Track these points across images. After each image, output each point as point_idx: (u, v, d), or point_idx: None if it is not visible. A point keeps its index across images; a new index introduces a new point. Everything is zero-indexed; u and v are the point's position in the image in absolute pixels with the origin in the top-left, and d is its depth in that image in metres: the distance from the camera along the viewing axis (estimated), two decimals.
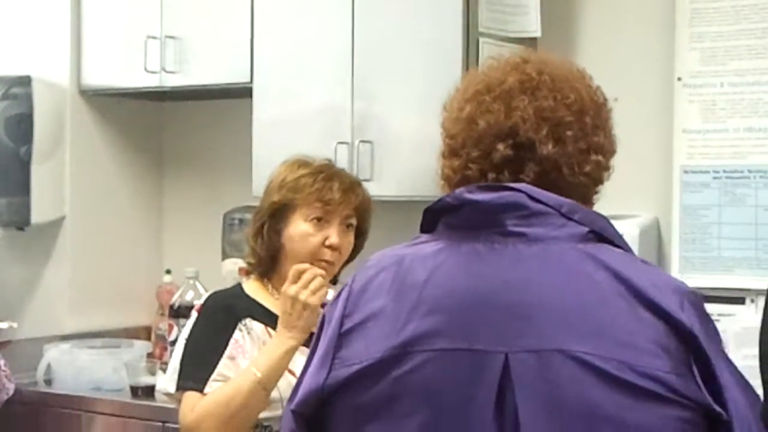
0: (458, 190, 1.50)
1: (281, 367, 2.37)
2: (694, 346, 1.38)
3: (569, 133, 1.50)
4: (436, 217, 1.52)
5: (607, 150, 1.54)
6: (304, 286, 2.39)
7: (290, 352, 2.36)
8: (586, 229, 1.45)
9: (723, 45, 3.41)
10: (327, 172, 2.56)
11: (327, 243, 2.51)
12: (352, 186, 2.57)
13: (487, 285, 1.42)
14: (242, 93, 3.90)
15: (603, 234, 1.47)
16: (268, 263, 2.55)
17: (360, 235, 2.60)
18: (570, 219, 1.45)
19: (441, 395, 1.40)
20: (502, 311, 1.40)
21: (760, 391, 1.54)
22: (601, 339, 1.37)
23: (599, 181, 1.54)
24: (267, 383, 2.36)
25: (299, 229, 2.51)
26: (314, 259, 2.50)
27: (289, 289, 2.40)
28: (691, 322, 1.39)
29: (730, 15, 3.40)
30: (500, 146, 1.49)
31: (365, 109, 3.63)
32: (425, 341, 1.41)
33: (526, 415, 1.35)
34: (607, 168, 1.55)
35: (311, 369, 1.51)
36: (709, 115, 3.43)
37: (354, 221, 2.57)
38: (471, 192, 1.48)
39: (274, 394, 2.37)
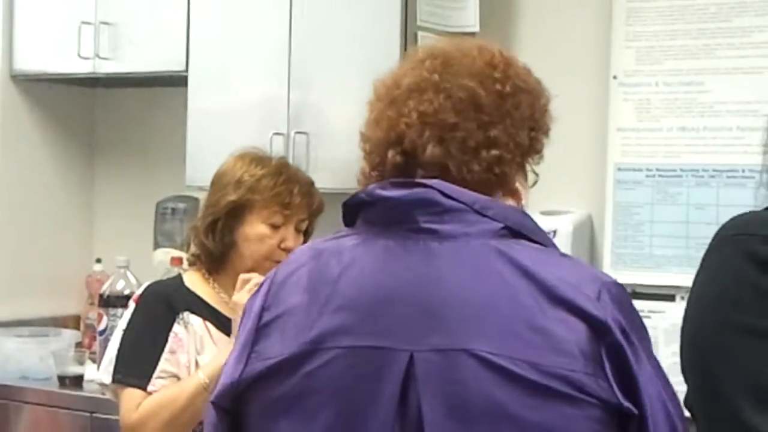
0: (371, 186, 1.50)
1: None
2: (607, 341, 1.37)
3: (454, 134, 1.48)
4: (354, 212, 1.52)
5: (509, 142, 1.50)
6: (250, 292, 2.37)
7: None
8: (500, 225, 1.44)
9: (658, 44, 3.45)
10: (287, 174, 2.54)
11: (283, 246, 2.50)
12: (310, 190, 2.57)
13: (396, 282, 1.42)
14: (177, 81, 3.86)
15: (519, 230, 1.45)
16: (218, 260, 2.52)
17: (307, 234, 2.59)
18: (483, 215, 1.44)
19: (346, 392, 1.40)
20: (409, 309, 1.40)
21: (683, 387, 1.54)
22: (507, 338, 1.36)
23: (505, 176, 1.51)
24: (213, 388, 2.33)
25: (256, 230, 2.49)
26: (268, 260, 2.48)
27: (239, 297, 2.35)
28: (605, 316, 1.37)
29: (666, 15, 3.43)
30: (390, 153, 1.50)
31: (302, 99, 3.61)
32: (334, 338, 1.41)
33: (430, 415, 1.35)
34: (517, 161, 1.52)
35: (229, 361, 1.51)
36: (643, 114, 3.46)
37: (307, 223, 2.56)
38: (383, 188, 1.48)
39: None
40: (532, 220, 1.49)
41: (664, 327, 3.27)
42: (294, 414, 1.43)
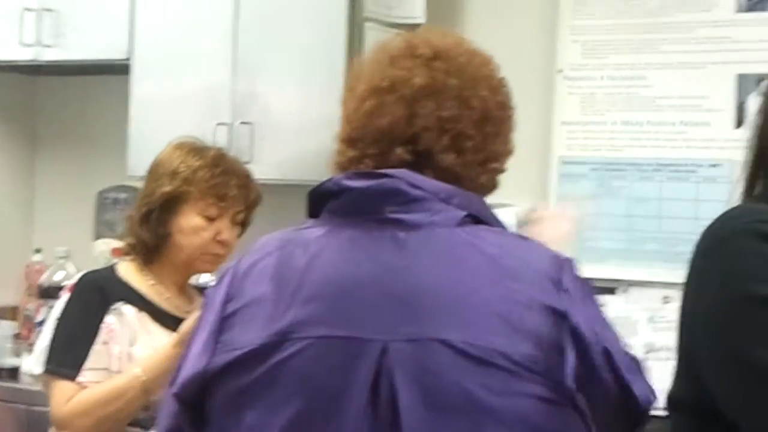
0: (338, 176, 1.50)
1: (167, 376, 2.29)
2: (569, 327, 1.38)
3: (469, 144, 1.50)
4: (320, 202, 1.52)
5: (504, 155, 1.56)
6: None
7: None
8: (464, 213, 1.46)
9: (604, 39, 3.46)
10: (224, 166, 2.50)
11: (218, 238, 2.47)
12: (247, 182, 2.54)
13: (366, 272, 1.42)
14: (120, 69, 3.81)
15: (480, 217, 1.47)
16: (152, 251, 2.49)
17: (244, 226, 2.57)
18: (448, 204, 1.45)
19: (317, 382, 1.39)
20: (380, 299, 1.40)
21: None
22: (478, 327, 1.37)
23: (494, 187, 1.56)
24: (150, 388, 2.30)
25: (191, 222, 2.46)
26: (203, 253, 2.46)
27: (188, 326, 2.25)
28: (564, 305, 1.39)
29: (611, 9, 3.45)
30: (399, 150, 1.50)
31: (247, 89, 3.58)
32: (304, 328, 1.41)
33: (406, 404, 1.35)
34: (502, 171, 1.56)
35: (194, 352, 1.50)
36: (588, 108, 3.48)
37: (243, 216, 2.54)
38: (350, 179, 1.49)
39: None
40: (489, 208, 1.52)
41: None
42: (260, 405, 1.42)
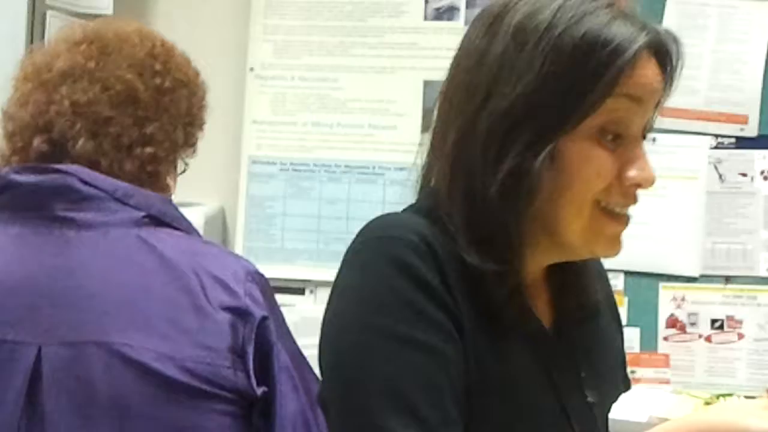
0: (5, 170, 1.44)
1: None
2: (250, 326, 1.37)
3: (109, 129, 1.45)
4: None
5: (165, 140, 1.50)
6: None
7: None
8: (142, 213, 1.41)
9: (296, 39, 3.48)
10: None
11: None
12: None
13: (28, 272, 1.36)
14: None
15: (162, 218, 1.42)
16: None
17: None
18: (125, 204, 1.40)
19: None
20: (40, 300, 1.34)
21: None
22: (144, 331, 1.33)
23: (158, 174, 1.50)
24: None
25: None
26: None
27: None
28: (249, 304, 1.39)
29: (304, 10, 3.47)
30: (36, 141, 1.44)
31: None
32: None
33: (53, 411, 1.29)
34: (167, 158, 1.51)
35: None
36: (279, 108, 3.48)
37: None
38: (18, 172, 1.43)
39: None
40: (175, 208, 1.48)
41: (293, 320, 3.27)
42: None
